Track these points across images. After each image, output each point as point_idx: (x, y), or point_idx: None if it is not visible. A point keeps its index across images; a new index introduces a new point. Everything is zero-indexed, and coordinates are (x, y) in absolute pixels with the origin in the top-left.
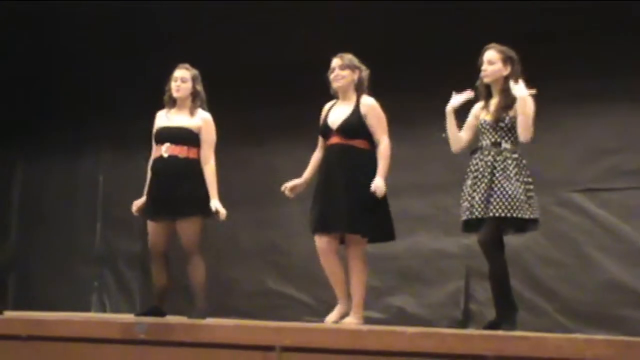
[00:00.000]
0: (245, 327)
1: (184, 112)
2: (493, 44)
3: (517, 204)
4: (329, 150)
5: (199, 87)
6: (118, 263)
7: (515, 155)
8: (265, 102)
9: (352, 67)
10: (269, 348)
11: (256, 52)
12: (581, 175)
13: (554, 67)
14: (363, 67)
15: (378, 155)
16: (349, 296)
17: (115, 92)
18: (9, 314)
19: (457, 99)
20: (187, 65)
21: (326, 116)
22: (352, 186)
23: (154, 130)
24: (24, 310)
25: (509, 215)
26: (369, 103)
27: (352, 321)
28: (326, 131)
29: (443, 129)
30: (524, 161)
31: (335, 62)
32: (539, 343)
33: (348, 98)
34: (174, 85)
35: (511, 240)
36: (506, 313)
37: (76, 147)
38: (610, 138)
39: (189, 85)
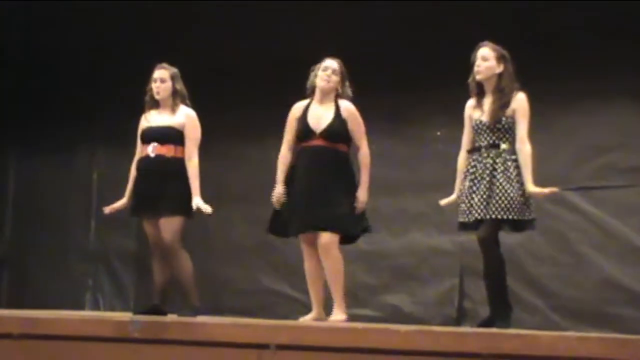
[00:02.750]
0: (240, 325)
1: (167, 111)
2: (486, 42)
3: (517, 205)
4: (309, 152)
5: (179, 86)
6: (112, 261)
7: (514, 157)
8: (260, 98)
9: (343, 77)
10: (264, 346)
11: (253, 48)
12: (575, 173)
13: (548, 66)
14: (347, 84)
15: (360, 163)
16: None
17: (109, 90)
18: (1, 312)
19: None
20: (165, 65)
21: (304, 117)
22: (336, 188)
23: (140, 131)
24: (17, 309)
25: (510, 217)
26: (350, 108)
27: (336, 318)
28: (306, 133)
29: (438, 127)
30: None
31: (332, 63)
32: (533, 341)
33: (326, 101)
34: (154, 86)
35: (505, 238)
36: (501, 311)
37: (70, 144)
38: (604, 136)
39: (168, 84)
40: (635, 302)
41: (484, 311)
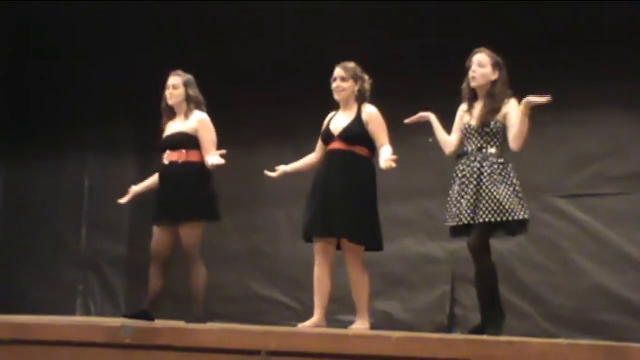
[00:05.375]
0: (231, 331)
1: (180, 118)
2: (483, 48)
3: (507, 207)
4: (329, 155)
5: (192, 91)
6: (103, 266)
7: (501, 160)
8: (253, 105)
9: (354, 78)
10: (254, 352)
11: (245, 54)
12: (566, 180)
13: (539, 73)
14: (365, 77)
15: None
16: (324, 309)
17: (101, 95)
18: None
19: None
20: (179, 72)
21: (328, 123)
22: (352, 192)
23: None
24: (8, 314)
25: (498, 219)
26: (370, 111)
27: (359, 327)
28: (327, 136)
29: (429, 133)
30: (510, 165)
31: (338, 72)
32: (523, 348)
33: (349, 107)
34: (166, 93)
35: (496, 245)
36: (492, 318)
37: (62, 149)
38: (595, 144)
39: (180, 91)
40: (625, 309)
41: (475, 318)
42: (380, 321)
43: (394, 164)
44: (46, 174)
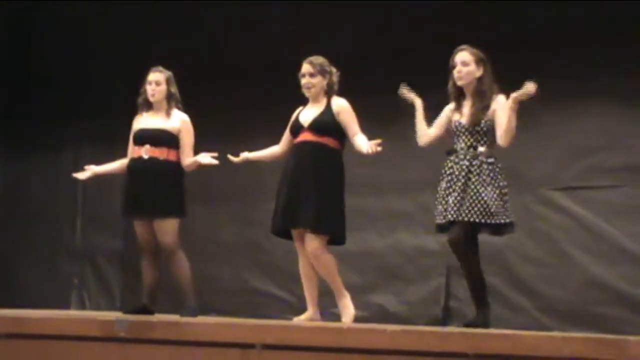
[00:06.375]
0: (226, 324)
1: (161, 114)
2: (465, 46)
3: (492, 209)
4: (298, 147)
5: (173, 89)
6: (98, 260)
7: (491, 160)
8: (248, 99)
9: (322, 73)
10: (249, 345)
11: (240, 49)
12: (562, 173)
13: (535, 65)
14: (333, 70)
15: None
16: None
17: (95, 89)
18: None
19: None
20: (160, 68)
21: (297, 116)
22: (321, 184)
23: (132, 132)
24: (3, 308)
25: (482, 221)
26: (340, 103)
27: (346, 319)
28: (297, 128)
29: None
30: (499, 165)
31: (306, 68)
32: (518, 340)
33: (319, 101)
34: (149, 89)
35: (492, 238)
36: (478, 310)
37: (56, 143)
38: (591, 136)
39: (163, 87)
40: (620, 302)
41: (470, 311)
42: (375, 314)
43: (379, 148)
44: (41, 167)
